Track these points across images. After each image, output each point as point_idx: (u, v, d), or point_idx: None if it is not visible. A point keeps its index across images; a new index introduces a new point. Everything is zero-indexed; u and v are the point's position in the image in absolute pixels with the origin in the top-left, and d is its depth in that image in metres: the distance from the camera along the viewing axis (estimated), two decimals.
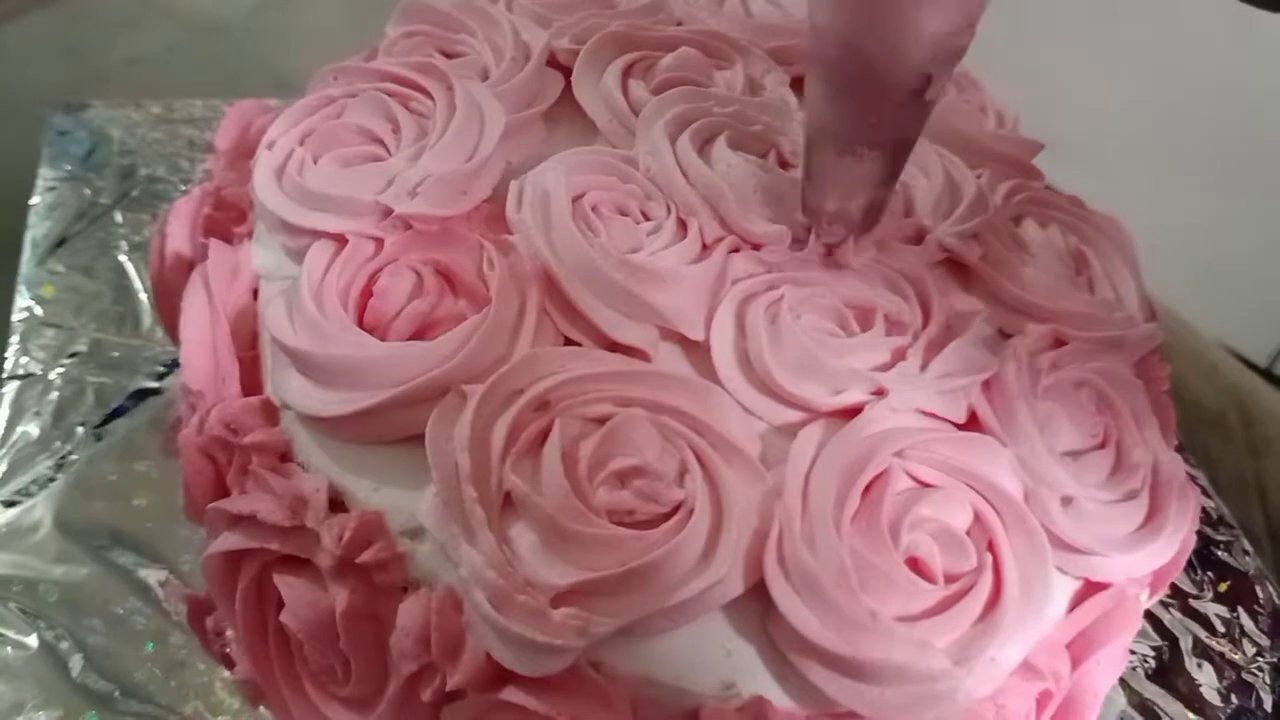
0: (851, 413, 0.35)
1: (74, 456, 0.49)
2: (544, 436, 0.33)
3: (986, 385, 0.38)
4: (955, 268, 0.42)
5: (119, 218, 0.60)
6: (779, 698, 0.32)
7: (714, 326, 0.37)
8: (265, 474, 0.35)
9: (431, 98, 0.41)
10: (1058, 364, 0.39)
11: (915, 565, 0.33)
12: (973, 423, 0.37)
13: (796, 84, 0.48)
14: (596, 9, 0.50)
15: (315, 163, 0.40)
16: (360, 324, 0.36)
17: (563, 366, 0.34)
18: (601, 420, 0.33)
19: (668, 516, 0.32)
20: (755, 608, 0.32)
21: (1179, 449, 0.55)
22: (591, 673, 0.31)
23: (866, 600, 0.31)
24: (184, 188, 0.61)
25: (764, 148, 0.41)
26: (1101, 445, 0.39)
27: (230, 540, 0.36)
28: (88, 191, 0.61)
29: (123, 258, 0.58)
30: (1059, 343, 0.40)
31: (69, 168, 0.62)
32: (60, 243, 0.58)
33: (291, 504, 0.35)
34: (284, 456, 0.36)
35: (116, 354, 0.53)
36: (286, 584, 0.35)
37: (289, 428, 0.36)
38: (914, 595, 0.33)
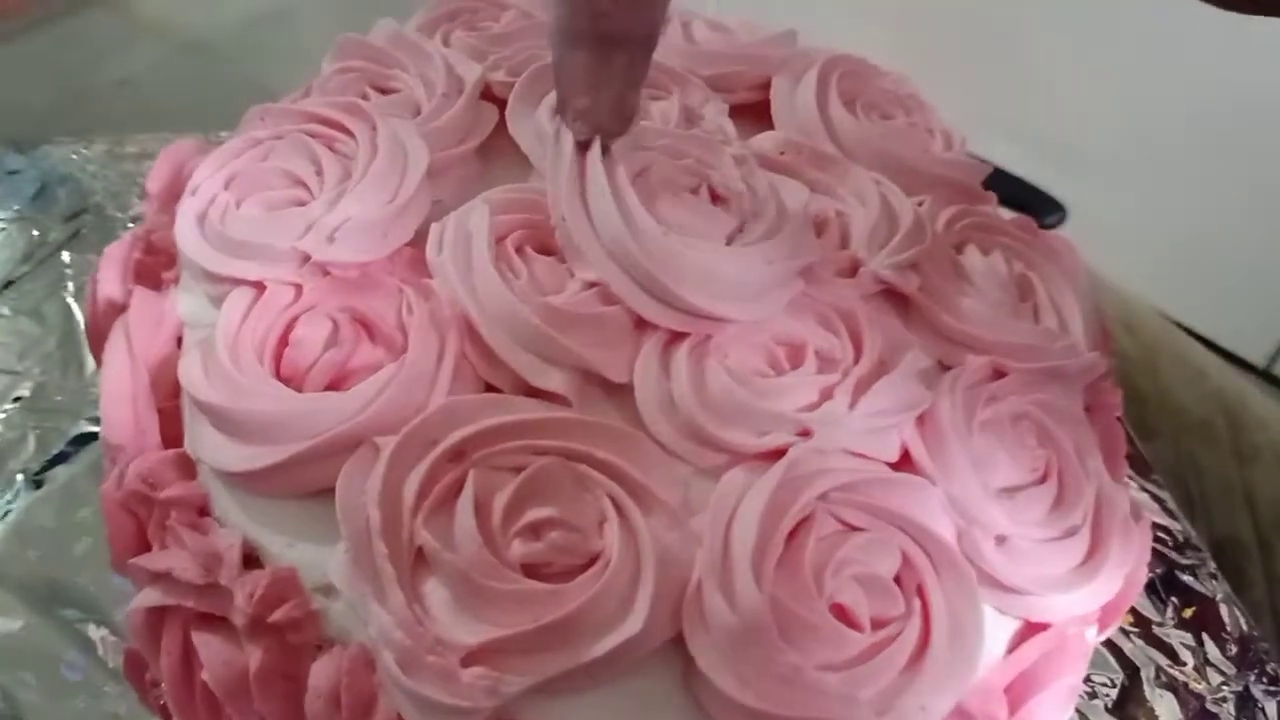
0: (777, 455, 0.35)
1: (12, 505, 0.48)
2: (458, 489, 0.32)
3: (921, 421, 0.37)
4: (894, 299, 0.42)
5: (66, 258, 0.59)
6: None
7: (637, 369, 0.36)
8: (181, 530, 0.35)
9: (354, 138, 0.41)
10: (996, 396, 0.39)
11: (840, 613, 0.32)
12: (905, 461, 0.36)
13: (737, 112, 0.48)
14: (534, 41, 0.49)
15: (238, 207, 0.39)
16: (277, 374, 0.35)
17: (479, 415, 0.33)
18: (518, 470, 0.32)
19: (585, 568, 0.31)
20: (677, 662, 0.32)
21: (1142, 469, 0.55)
22: None
23: (789, 653, 0.31)
24: (130, 226, 0.60)
25: (694, 181, 0.40)
26: (1042, 480, 0.38)
27: (151, 596, 0.36)
28: (35, 232, 0.60)
29: (70, 299, 0.58)
30: (998, 374, 0.39)
31: (17, 207, 0.61)
32: (7, 284, 0.57)
33: (206, 560, 0.34)
34: (201, 511, 0.36)
35: (60, 398, 0.53)
36: (204, 642, 0.35)
37: (206, 482, 0.36)
38: (839, 644, 0.32)
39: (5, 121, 0.76)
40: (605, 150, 0.37)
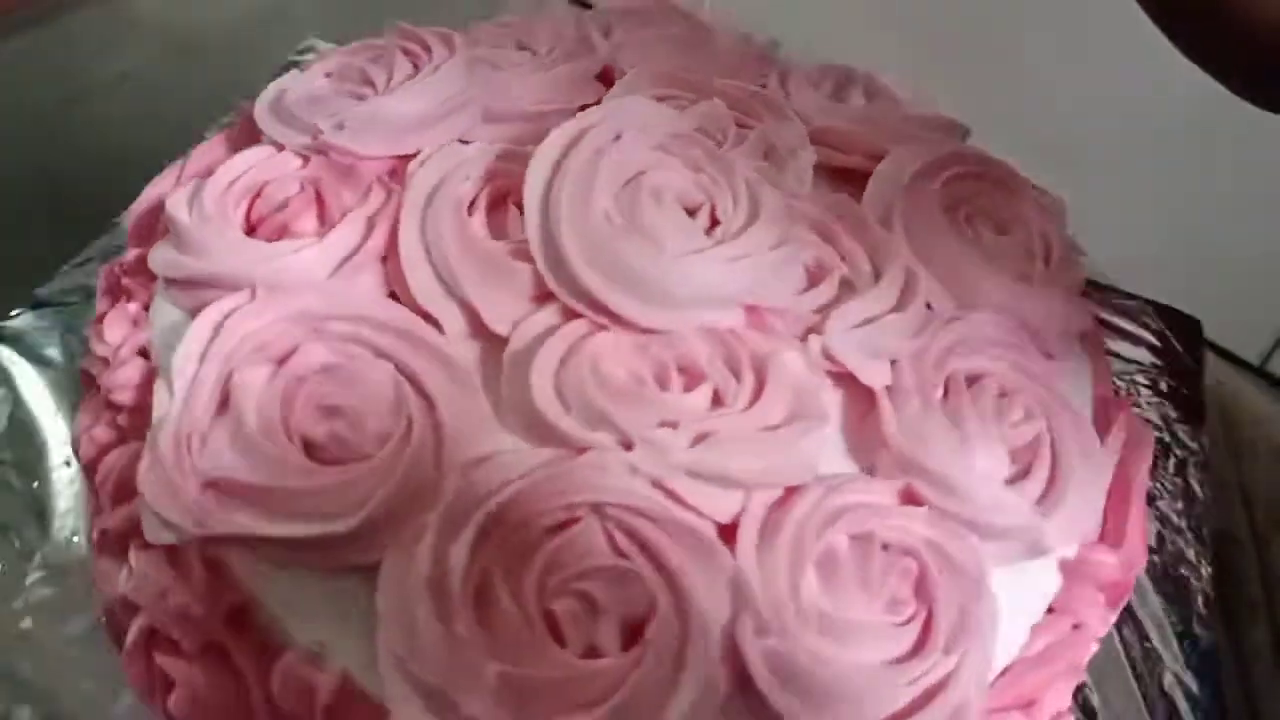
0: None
1: None
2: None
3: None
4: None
5: None
6: None
7: (519, 327, 0.36)
8: None
9: (431, 56, 0.44)
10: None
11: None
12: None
13: (837, 175, 0.45)
14: (693, 49, 0.50)
15: (319, 79, 0.44)
16: (247, 219, 0.39)
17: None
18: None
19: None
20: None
21: None
22: None
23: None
24: None
25: (698, 200, 0.39)
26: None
27: None
28: None
29: None
30: None
31: None
32: None
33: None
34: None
35: None
36: None
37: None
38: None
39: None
40: None
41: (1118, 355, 0.63)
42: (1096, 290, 0.65)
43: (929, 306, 0.40)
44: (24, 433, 0.46)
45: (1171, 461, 0.58)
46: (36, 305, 0.52)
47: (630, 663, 0.30)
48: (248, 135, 0.44)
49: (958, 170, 0.45)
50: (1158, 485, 0.57)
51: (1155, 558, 0.53)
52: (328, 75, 0.45)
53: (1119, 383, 0.61)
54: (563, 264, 0.35)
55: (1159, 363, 0.63)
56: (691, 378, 0.35)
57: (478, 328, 0.36)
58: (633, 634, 0.31)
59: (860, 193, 0.44)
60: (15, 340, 0.50)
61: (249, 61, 0.78)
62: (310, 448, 0.33)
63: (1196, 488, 0.57)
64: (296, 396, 0.33)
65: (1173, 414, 0.60)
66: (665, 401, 0.34)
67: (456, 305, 0.36)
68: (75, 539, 0.43)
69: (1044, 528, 0.35)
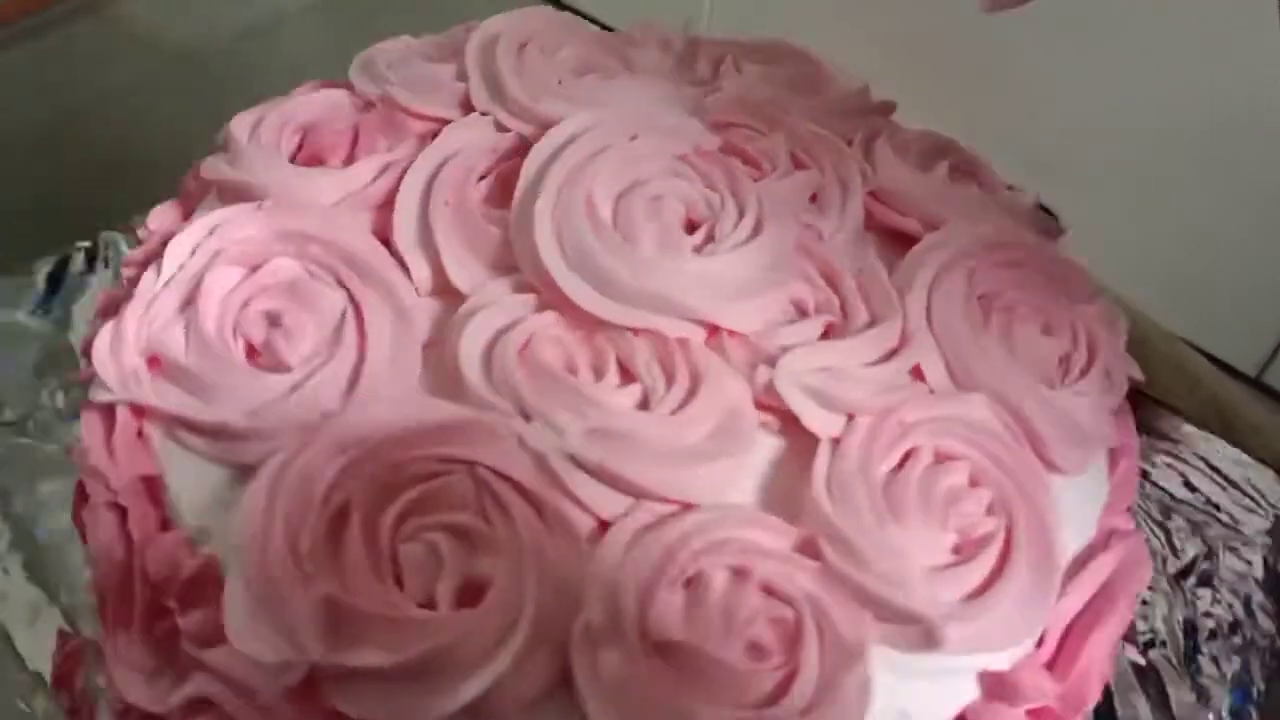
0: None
1: None
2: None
3: None
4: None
5: None
6: None
7: (476, 288, 0.37)
8: None
9: None
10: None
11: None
12: None
13: (889, 237, 0.43)
14: (796, 91, 0.50)
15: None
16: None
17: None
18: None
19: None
20: None
21: None
22: None
23: None
24: None
25: (703, 218, 0.39)
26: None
27: None
28: None
29: None
30: None
31: None
32: None
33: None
34: None
35: None
36: None
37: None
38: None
39: None
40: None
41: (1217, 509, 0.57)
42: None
43: (920, 376, 0.38)
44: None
45: (1237, 640, 0.51)
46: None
47: (453, 621, 0.30)
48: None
49: (1018, 256, 0.43)
50: (1208, 659, 0.51)
51: None
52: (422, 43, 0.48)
53: (1203, 542, 0.55)
54: (529, 234, 0.36)
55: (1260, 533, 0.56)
56: (627, 376, 0.35)
57: (442, 285, 0.37)
58: (469, 598, 0.30)
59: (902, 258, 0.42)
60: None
61: (245, 75, 0.81)
62: (250, 351, 0.35)
63: (1257, 674, 0.50)
64: (252, 302, 0.35)
65: (1257, 596, 0.53)
66: (584, 391, 0.34)
67: (427, 260, 0.37)
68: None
69: (945, 624, 0.32)
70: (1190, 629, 0.51)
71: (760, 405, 0.36)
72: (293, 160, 0.41)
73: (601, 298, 0.35)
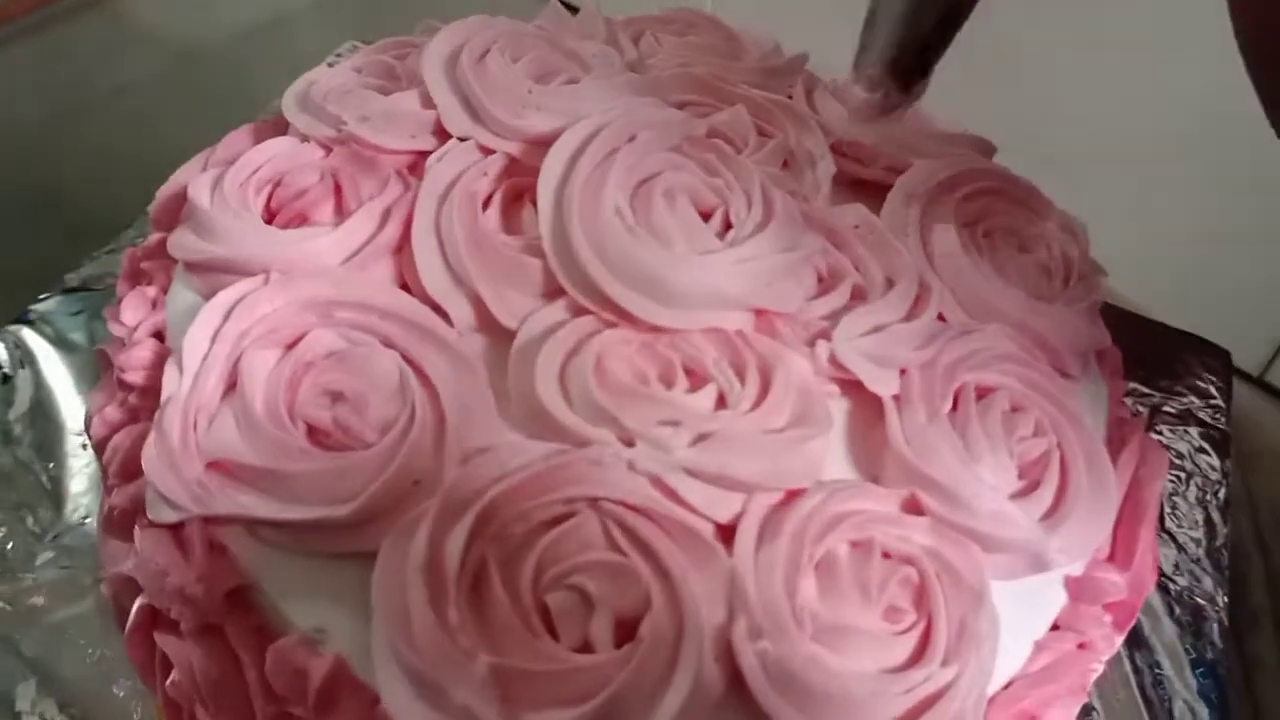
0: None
1: None
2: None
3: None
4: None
5: None
6: None
7: (527, 322, 0.36)
8: None
9: None
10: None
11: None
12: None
13: (857, 187, 0.45)
14: (724, 58, 0.50)
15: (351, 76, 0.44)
16: (267, 206, 0.40)
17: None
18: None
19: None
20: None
21: None
22: None
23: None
24: None
25: (712, 204, 0.39)
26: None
27: None
28: None
29: None
30: None
31: None
32: None
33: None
34: None
35: None
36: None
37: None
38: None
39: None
40: (890, 109, 0.39)
41: (1144, 381, 0.62)
42: (1123, 318, 0.65)
43: (941, 318, 0.40)
44: (45, 415, 0.47)
45: (1193, 490, 0.57)
46: (65, 291, 0.53)
47: (622, 659, 0.30)
48: (275, 127, 0.44)
49: (978, 186, 0.45)
50: (1178, 514, 0.56)
51: (1172, 585, 0.52)
52: (357, 70, 0.46)
53: (1142, 408, 0.61)
54: (572, 259, 0.35)
55: (1184, 392, 0.62)
56: (696, 378, 0.35)
57: (486, 321, 0.36)
58: (627, 630, 0.30)
59: (880, 205, 0.44)
60: (41, 324, 0.51)
61: (249, 73, 0.80)
62: (314, 432, 0.33)
63: (1217, 518, 0.56)
64: (302, 381, 0.33)
65: (1196, 444, 0.59)
66: (668, 400, 0.34)
67: (465, 298, 0.36)
68: (88, 520, 0.43)
69: (1047, 543, 0.35)
70: None
71: (821, 375, 0.37)
72: (269, 221, 0.39)
73: (661, 307, 0.35)
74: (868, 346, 0.37)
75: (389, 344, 0.34)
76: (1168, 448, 0.58)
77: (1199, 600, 0.52)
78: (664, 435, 0.33)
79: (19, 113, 0.81)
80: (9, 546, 0.42)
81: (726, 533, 0.33)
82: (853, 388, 0.37)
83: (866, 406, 0.37)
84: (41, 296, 0.52)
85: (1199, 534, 0.55)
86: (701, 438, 0.33)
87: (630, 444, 0.33)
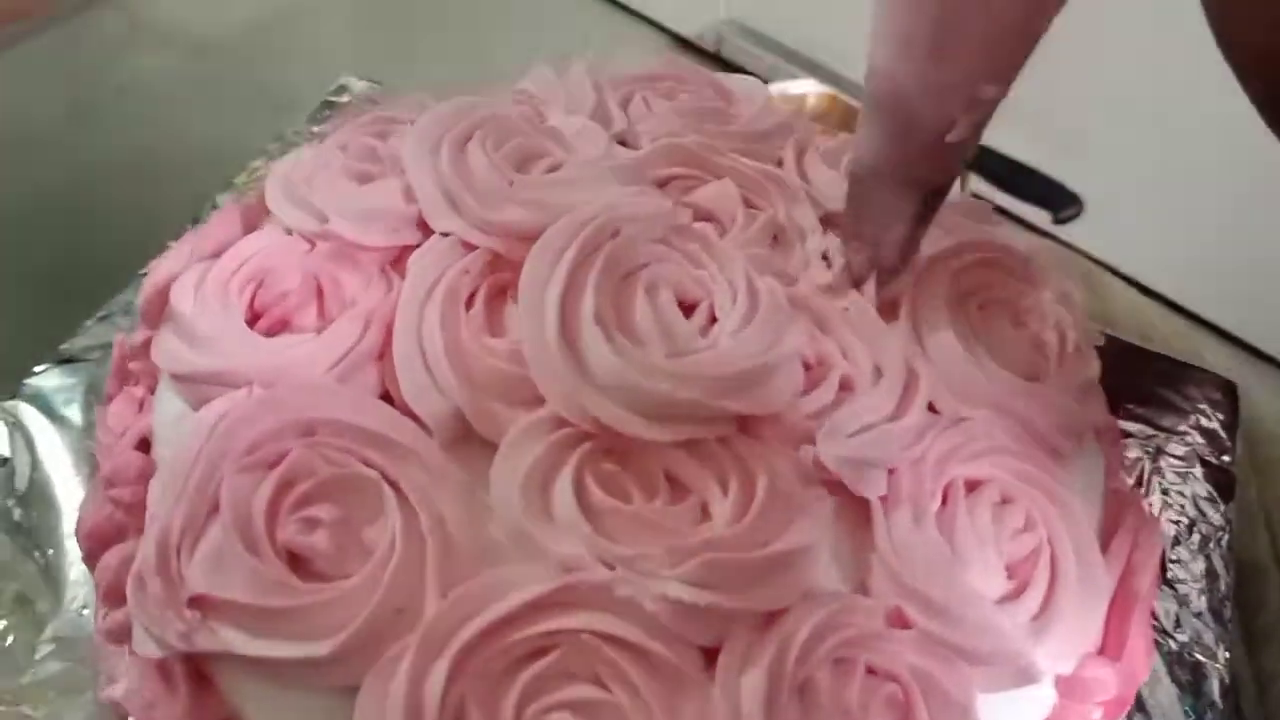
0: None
1: None
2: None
3: None
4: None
5: None
6: None
7: (507, 436, 0.36)
8: None
9: None
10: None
11: None
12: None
13: None
14: (713, 123, 0.49)
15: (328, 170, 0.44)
16: (250, 308, 0.39)
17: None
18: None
19: None
20: None
21: None
22: None
23: None
24: None
25: (697, 297, 0.39)
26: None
27: None
28: None
29: None
30: None
31: None
32: None
33: None
34: None
35: None
36: None
37: None
38: None
39: (12, 126, 0.78)
40: (881, 285, 0.41)
41: (1149, 421, 0.62)
42: (1126, 351, 0.65)
43: (931, 406, 0.40)
44: (42, 497, 0.47)
45: (1195, 539, 0.56)
46: (61, 361, 0.53)
47: None
48: (261, 209, 0.44)
49: (974, 258, 0.44)
50: (1178, 564, 0.55)
51: (1172, 642, 0.52)
52: (342, 148, 0.45)
53: (1144, 453, 0.60)
54: (550, 370, 0.35)
55: (1189, 431, 0.61)
56: (679, 490, 0.35)
57: (467, 432, 0.36)
58: None
59: None
60: (37, 399, 0.51)
61: (263, 66, 0.79)
62: (294, 560, 0.33)
63: (1220, 567, 0.55)
64: (281, 506, 0.33)
65: (1203, 490, 0.58)
66: (649, 518, 0.34)
67: (447, 409, 0.36)
68: (85, 612, 0.44)
69: (1034, 655, 0.34)
70: None
71: (807, 479, 0.36)
72: (254, 321, 0.39)
73: (640, 419, 0.35)
74: (855, 448, 0.37)
75: (369, 464, 0.34)
76: (1169, 494, 0.58)
77: (1199, 657, 0.51)
78: (645, 560, 0.33)
79: (34, 109, 0.82)
80: (8, 642, 0.43)
81: (711, 654, 0.33)
82: (840, 487, 0.37)
83: (855, 505, 0.37)
84: (37, 369, 0.52)
85: (1201, 584, 0.55)
86: (683, 559, 0.33)
87: (611, 567, 0.33)
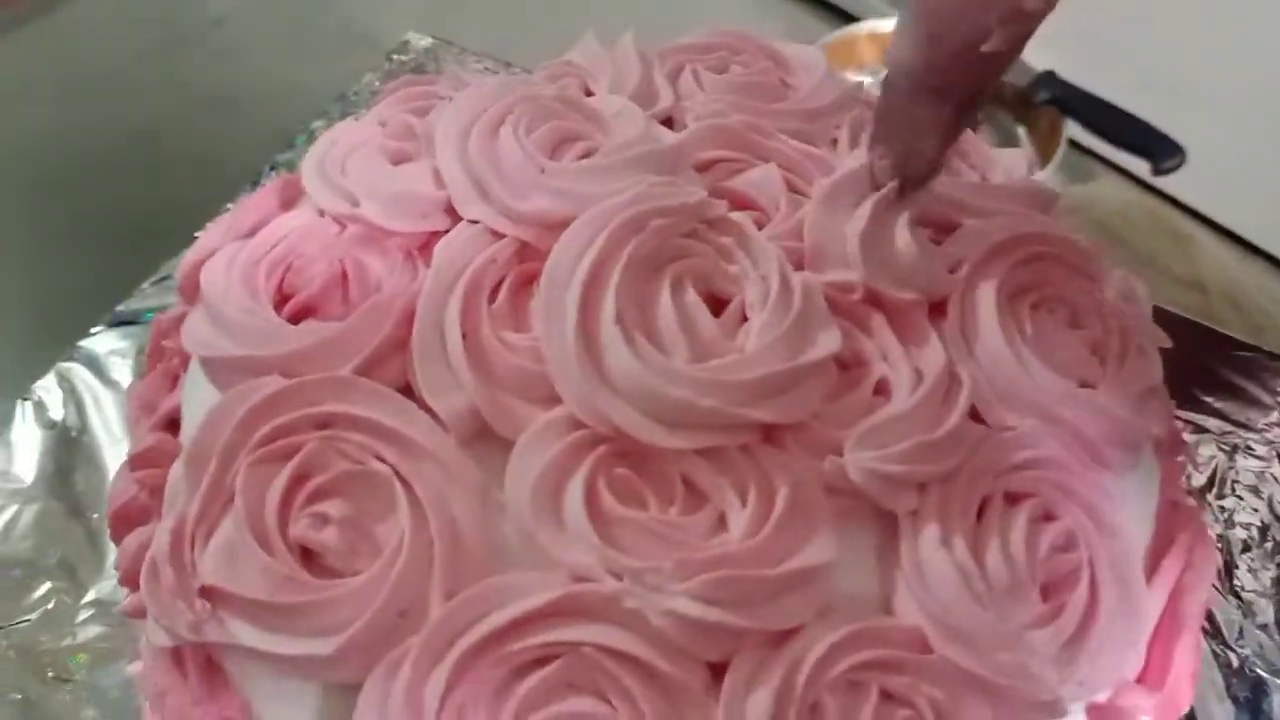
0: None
1: None
2: None
3: None
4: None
5: None
6: None
7: (525, 434, 0.35)
8: None
9: None
10: None
11: None
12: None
13: None
14: (765, 99, 0.47)
15: (361, 147, 0.43)
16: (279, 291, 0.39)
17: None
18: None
19: None
20: None
21: None
22: None
23: None
24: None
25: (729, 293, 0.37)
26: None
27: None
28: None
29: None
30: None
31: None
32: None
33: None
34: None
35: None
36: None
37: None
38: None
39: (111, 59, 0.80)
40: (904, 195, 0.39)
41: (1226, 417, 0.59)
42: (1208, 336, 0.61)
43: (975, 412, 0.38)
44: (90, 461, 0.49)
45: (1268, 545, 0.54)
46: (116, 323, 0.54)
47: None
48: (300, 183, 0.44)
49: (1031, 251, 0.42)
50: (1251, 570, 0.53)
51: (1232, 655, 0.50)
52: (381, 124, 0.45)
53: (1220, 450, 0.57)
54: (568, 371, 0.34)
55: (1269, 428, 0.58)
56: (695, 498, 0.34)
57: (484, 429, 0.35)
58: None
59: None
60: (91, 362, 0.52)
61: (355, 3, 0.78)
62: (305, 554, 0.33)
63: None
64: (295, 500, 0.33)
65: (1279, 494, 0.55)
66: (662, 527, 0.33)
67: (464, 404, 0.35)
68: None
69: (1062, 689, 0.33)
70: (1224, 544, 0.53)
71: (832, 490, 0.35)
72: (281, 304, 0.39)
73: (658, 425, 0.34)
74: (885, 462, 0.35)
75: (383, 460, 0.34)
76: (1243, 496, 0.55)
77: (1260, 673, 0.49)
78: (653, 573, 0.32)
79: (113, 50, 0.82)
80: (51, 605, 0.44)
81: (717, 670, 0.32)
82: (867, 503, 0.35)
83: (885, 516, 0.35)
84: (93, 330, 0.53)
85: (1270, 594, 0.52)
86: (693, 573, 0.32)
87: (619, 578, 0.32)
